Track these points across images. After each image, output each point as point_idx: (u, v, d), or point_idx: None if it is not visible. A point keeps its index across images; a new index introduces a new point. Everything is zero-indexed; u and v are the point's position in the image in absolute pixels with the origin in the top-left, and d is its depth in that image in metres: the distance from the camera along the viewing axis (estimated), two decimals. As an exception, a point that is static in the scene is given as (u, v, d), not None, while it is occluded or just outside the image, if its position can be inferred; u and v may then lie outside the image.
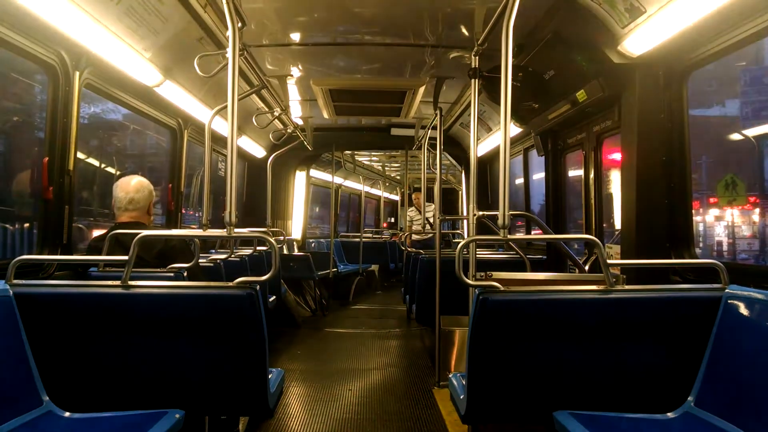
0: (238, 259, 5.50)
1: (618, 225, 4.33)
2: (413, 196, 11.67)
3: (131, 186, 3.71)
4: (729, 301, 2.43)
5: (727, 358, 2.39)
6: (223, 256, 5.00)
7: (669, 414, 2.49)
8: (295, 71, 5.62)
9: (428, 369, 5.78)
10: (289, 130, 7.03)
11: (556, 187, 5.76)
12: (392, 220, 18.65)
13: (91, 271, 3.40)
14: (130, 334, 2.59)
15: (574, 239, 5.93)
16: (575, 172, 5.68)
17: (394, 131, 8.48)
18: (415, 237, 11.22)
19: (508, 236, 2.61)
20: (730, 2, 2.71)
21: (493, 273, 3.01)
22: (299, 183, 9.86)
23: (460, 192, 11.34)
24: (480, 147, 7.52)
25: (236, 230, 2.66)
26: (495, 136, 7.04)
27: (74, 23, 3.18)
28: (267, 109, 6.18)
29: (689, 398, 2.49)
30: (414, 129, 8.24)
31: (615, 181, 4.78)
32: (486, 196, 8.31)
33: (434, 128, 5.44)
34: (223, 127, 5.54)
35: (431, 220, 10.76)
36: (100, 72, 3.83)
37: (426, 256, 5.86)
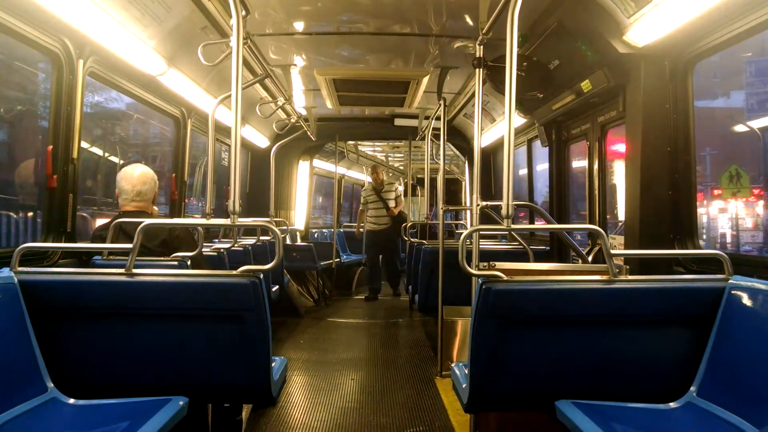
0: (241, 248, 5.51)
1: (622, 216, 4.32)
2: (372, 170, 10.28)
3: (136, 178, 3.67)
4: (732, 292, 2.43)
5: (730, 348, 2.39)
6: (226, 246, 5.00)
7: (671, 404, 2.49)
8: (299, 60, 5.61)
9: (431, 359, 5.80)
10: (292, 120, 7.02)
11: (559, 177, 5.74)
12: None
13: (95, 260, 3.41)
14: (134, 322, 2.60)
15: (578, 229, 5.93)
16: (579, 163, 5.67)
17: (398, 121, 8.46)
18: (370, 227, 9.81)
19: (512, 226, 2.61)
20: (737, -8, 2.70)
21: (496, 263, 3.01)
22: (302, 173, 9.85)
23: (464, 182, 11.27)
24: (484, 137, 7.49)
25: (239, 220, 2.66)
26: (499, 127, 7.03)
27: (78, 11, 3.17)
28: (270, 99, 6.17)
29: (692, 388, 2.49)
30: (417, 119, 8.22)
31: (619, 172, 4.77)
32: (489, 187, 8.30)
33: (438, 118, 5.43)
34: (226, 116, 5.54)
35: (391, 204, 9.62)
36: (103, 60, 3.82)
37: (429, 246, 5.86)
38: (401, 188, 10.36)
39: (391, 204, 9.64)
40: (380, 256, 9.85)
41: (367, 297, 9.71)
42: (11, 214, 5.48)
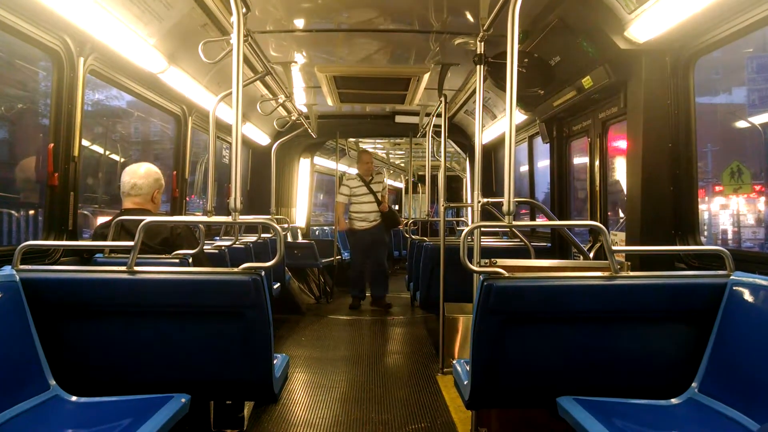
0: (242, 246, 5.51)
1: (623, 212, 4.32)
2: (359, 157, 8.67)
3: (137, 172, 3.73)
4: (734, 288, 2.43)
5: (731, 344, 2.39)
6: (227, 243, 5.01)
7: (673, 400, 2.49)
8: (300, 58, 5.60)
9: (432, 356, 5.80)
10: (293, 118, 7.02)
11: (560, 174, 5.74)
12: (396, 207, 18.61)
13: (96, 258, 3.41)
14: (136, 320, 2.60)
15: (579, 226, 5.93)
16: (580, 160, 5.67)
17: (399, 119, 8.44)
18: (358, 225, 8.26)
19: (513, 223, 2.61)
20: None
21: (498, 260, 3.01)
22: (303, 170, 9.84)
23: (465, 179, 11.23)
24: (485, 134, 7.49)
25: (241, 217, 2.66)
26: (500, 124, 7.02)
27: (79, 9, 3.17)
28: (271, 96, 6.17)
29: (693, 384, 2.49)
30: (418, 116, 8.21)
31: (620, 169, 4.76)
32: (490, 184, 8.29)
33: (439, 115, 5.42)
34: (227, 114, 5.53)
35: (379, 197, 8.30)
36: (104, 58, 3.82)
37: (430, 243, 5.86)
38: (388, 181, 9.28)
39: (380, 197, 8.35)
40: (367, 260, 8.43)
41: (352, 305, 8.41)
42: (12, 212, 5.48)
